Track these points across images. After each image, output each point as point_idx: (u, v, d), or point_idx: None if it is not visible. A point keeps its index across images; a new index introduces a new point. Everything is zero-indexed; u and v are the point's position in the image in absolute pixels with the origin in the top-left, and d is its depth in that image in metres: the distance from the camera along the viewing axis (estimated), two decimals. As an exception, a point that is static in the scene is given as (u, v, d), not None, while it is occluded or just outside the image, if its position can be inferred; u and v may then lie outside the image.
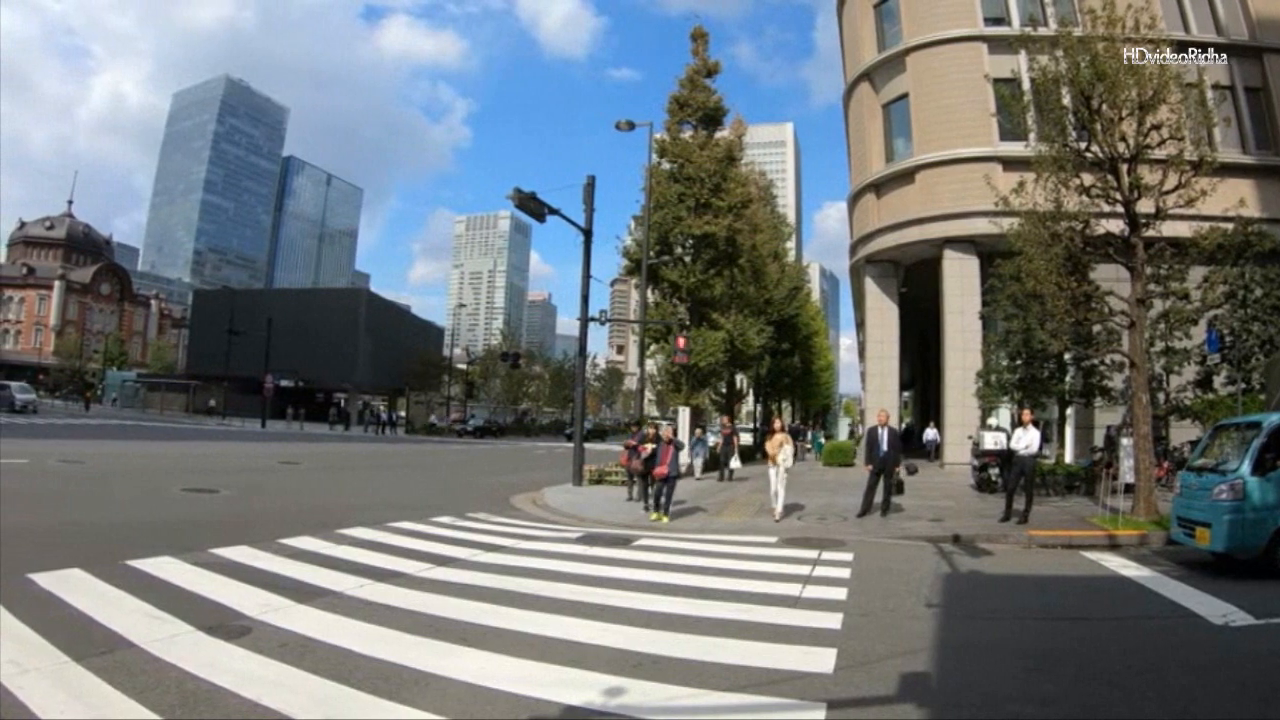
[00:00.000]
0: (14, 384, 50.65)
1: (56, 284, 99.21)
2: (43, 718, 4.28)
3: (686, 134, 29.45)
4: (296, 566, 8.84)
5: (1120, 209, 14.69)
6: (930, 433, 30.37)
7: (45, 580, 7.27)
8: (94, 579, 7.50)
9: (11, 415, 42.46)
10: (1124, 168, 14.43)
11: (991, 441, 18.89)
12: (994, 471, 18.65)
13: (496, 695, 4.98)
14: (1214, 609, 7.92)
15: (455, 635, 6.33)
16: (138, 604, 6.72)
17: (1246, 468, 9.73)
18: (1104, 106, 13.97)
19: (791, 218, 62.23)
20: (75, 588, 7.13)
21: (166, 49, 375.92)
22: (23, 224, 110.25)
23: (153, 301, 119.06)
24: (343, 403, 74.90)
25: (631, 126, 23.60)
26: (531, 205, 20.21)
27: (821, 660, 5.88)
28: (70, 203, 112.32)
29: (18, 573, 7.41)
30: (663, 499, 14.87)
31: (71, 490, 14.72)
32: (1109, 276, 16.38)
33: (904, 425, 26.05)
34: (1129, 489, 14.36)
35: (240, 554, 9.30)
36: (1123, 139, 14.10)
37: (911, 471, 17.08)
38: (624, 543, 11.92)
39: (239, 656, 5.54)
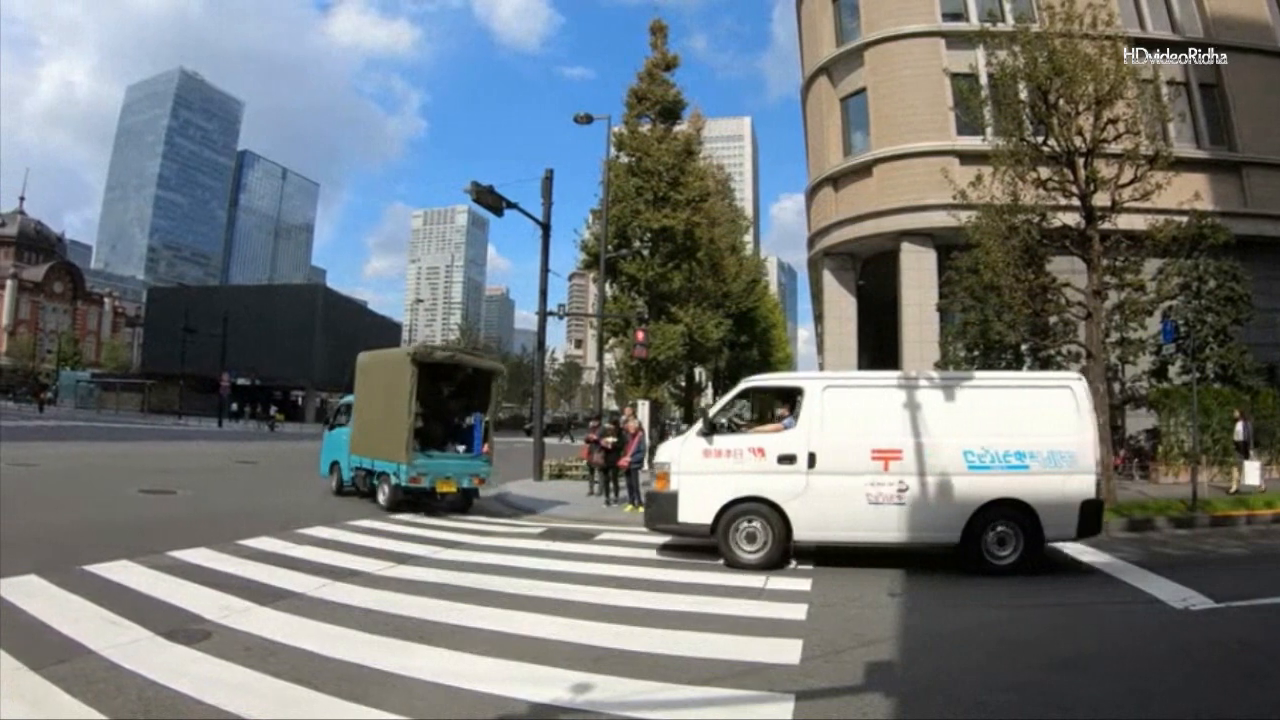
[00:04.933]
0: None
1: (8, 283, 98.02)
2: None
3: (645, 127, 29.40)
4: (256, 568, 8.79)
5: (1077, 202, 14.98)
6: None
7: None
8: (50, 585, 7.36)
9: (-38, 418, 41.23)
10: (1080, 161, 14.70)
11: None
12: None
13: (462, 694, 4.97)
14: (1174, 594, 8.13)
15: (419, 634, 6.32)
16: (95, 610, 6.62)
17: None
18: (1061, 101, 14.21)
19: (749, 211, 62.52)
20: (31, 594, 6.98)
21: (115, 38, 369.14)
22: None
23: (106, 300, 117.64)
24: (298, 400, 74.07)
25: (589, 120, 23.57)
26: (489, 199, 20.13)
27: (788, 651, 5.95)
28: (22, 199, 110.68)
29: None
30: (633, 490, 14.91)
31: (25, 494, 14.31)
32: (1065, 269, 16.64)
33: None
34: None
35: (199, 556, 9.19)
36: (1079, 133, 14.35)
37: None
38: (586, 537, 12.04)
39: (200, 661, 5.48)
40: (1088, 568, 10.05)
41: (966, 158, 23.50)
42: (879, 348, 36.05)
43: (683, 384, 39.76)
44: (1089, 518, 9.64)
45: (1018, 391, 10.42)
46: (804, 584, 8.48)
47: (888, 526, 9.66)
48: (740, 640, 6.25)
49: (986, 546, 9.56)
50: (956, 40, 26.18)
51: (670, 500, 10.04)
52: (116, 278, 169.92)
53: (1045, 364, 19.43)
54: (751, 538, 9.74)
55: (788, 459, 9.79)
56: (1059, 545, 11.27)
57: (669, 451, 10.44)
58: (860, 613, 7.34)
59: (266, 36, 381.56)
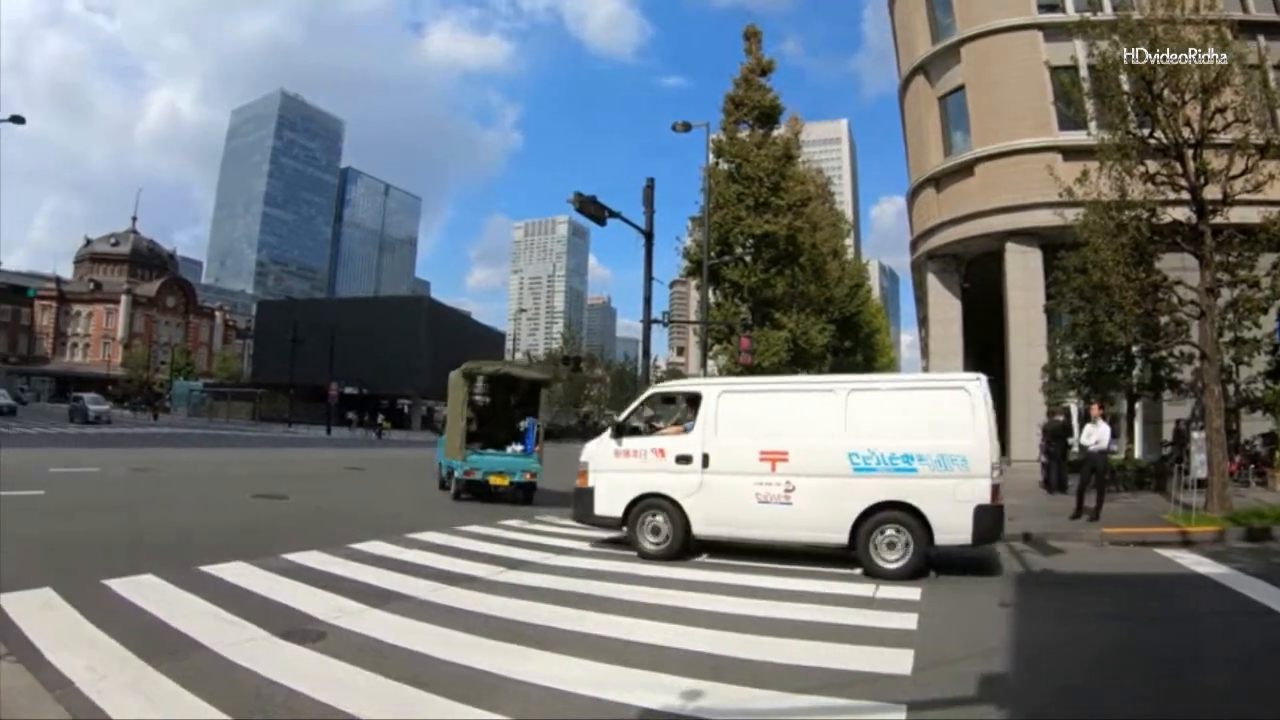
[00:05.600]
0: (86, 395, 52.19)
1: (123, 298, 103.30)
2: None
3: (743, 133, 29.46)
4: (368, 571, 8.87)
5: (1187, 196, 14.33)
6: None
7: (119, 586, 7.35)
8: (167, 584, 7.56)
9: (84, 426, 43.65)
10: (1189, 153, 14.06)
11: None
12: (1041, 460, 18.32)
13: (573, 699, 4.94)
14: (1294, 606, 7.69)
15: (531, 638, 6.29)
16: (211, 609, 6.78)
17: None
18: (1166, 91, 13.63)
19: (849, 215, 61.58)
20: (150, 593, 7.19)
21: (218, 65, 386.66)
22: (88, 241, 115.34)
23: (217, 313, 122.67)
24: (404, 409, 75.96)
25: (688, 128, 23.59)
26: (592, 209, 20.35)
27: (899, 661, 5.80)
28: (134, 219, 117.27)
29: (92, 579, 7.51)
30: None
31: (143, 497, 14.99)
32: (1175, 266, 15.95)
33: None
34: (1201, 484, 13.95)
35: (312, 559, 9.36)
36: (1187, 124, 13.74)
37: None
38: None
39: (314, 660, 5.55)
40: (1204, 578, 9.60)
41: (1070, 153, 22.79)
42: (985, 351, 35.11)
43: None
44: (985, 524, 9.35)
45: (910, 393, 10.55)
46: (914, 593, 8.29)
47: (777, 525, 10.08)
48: (851, 649, 6.12)
49: (875, 549, 9.51)
50: (1054, 32, 25.41)
51: (588, 495, 11.06)
52: (227, 292, 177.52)
53: (1157, 366, 18.65)
54: (656, 530, 10.47)
55: (685, 459, 10.46)
56: (1174, 555, 10.91)
57: (588, 451, 11.39)
58: (972, 622, 7.15)
59: (363, 58, 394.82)
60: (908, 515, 9.47)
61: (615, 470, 10.96)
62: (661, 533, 10.42)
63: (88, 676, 4.95)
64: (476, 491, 16.75)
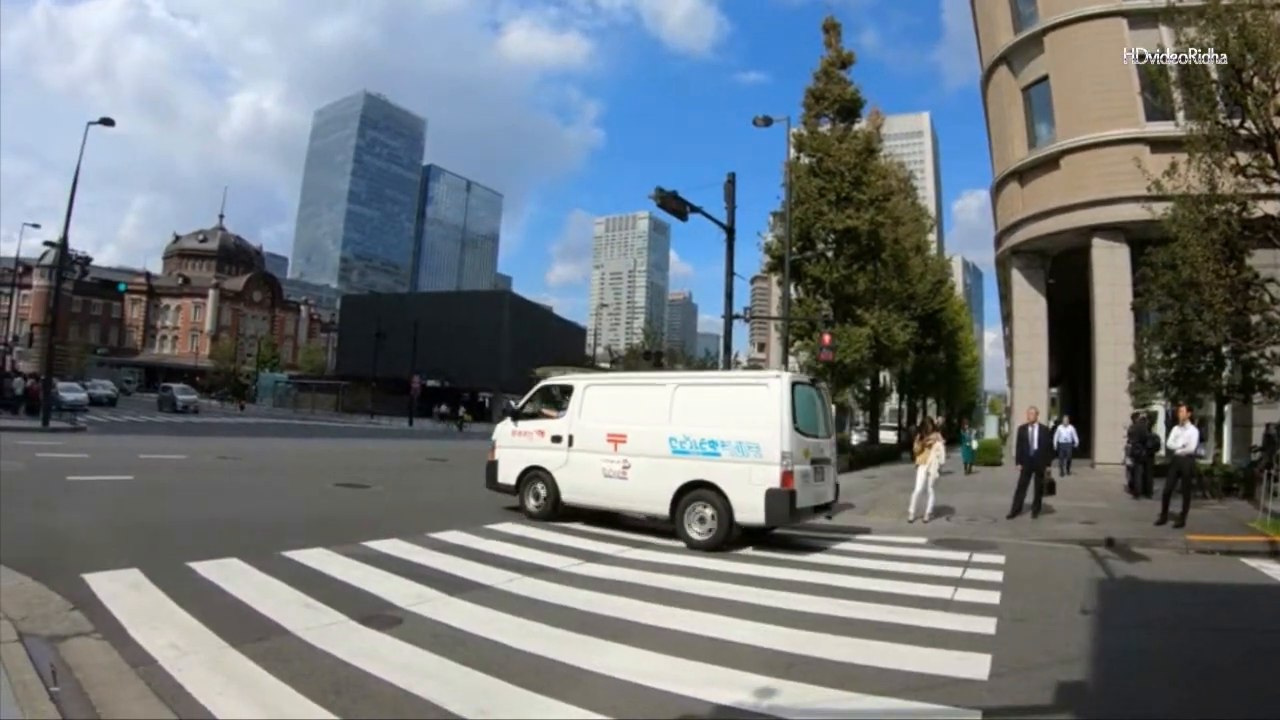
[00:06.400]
0: (175, 386, 54.34)
1: (211, 293, 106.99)
2: (200, 700, 4.48)
3: (824, 127, 29.08)
4: (446, 560, 9.07)
5: (1279, 189, 13.76)
6: (1066, 432, 24.80)
7: (204, 569, 7.63)
8: (251, 568, 7.83)
9: (173, 415, 45.48)
10: (1280, 144, 13.51)
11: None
12: (1127, 464, 17.79)
13: (647, 692, 4.99)
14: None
15: (606, 631, 6.37)
16: (293, 593, 6.99)
17: None
18: (1256, 79, 13.10)
19: (932, 209, 60.32)
20: (233, 576, 7.45)
21: (300, 68, 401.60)
22: (177, 237, 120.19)
23: (302, 307, 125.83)
24: (485, 402, 76.99)
25: (769, 122, 23.44)
26: (673, 204, 20.45)
27: (976, 666, 5.74)
28: (221, 216, 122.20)
29: (179, 561, 7.82)
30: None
31: (229, 484, 15.60)
32: (1268, 263, 15.35)
33: (1052, 423, 24.58)
34: (1292, 492, 13.40)
35: (391, 547, 9.58)
36: (1278, 113, 13.19)
37: (1050, 491, 16.27)
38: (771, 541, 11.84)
39: (391, 646, 5.69)
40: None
41: (1158, 145, 22.06)
42: (1071, 349, 34.23)
43: (868, 387, 38.87)
44: (775, 506, 10.55)
45: (723, 389, 12.12)
46: (993, 597, 8.16)
47: (618, 496, 12.15)
48: (928, 652, 6.06)
49: (688, 522, 11.12)
50: (1140, 19, 24.54)
51: (494, 467, 13.80)
52: (311, 286, 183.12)
53: (1247, 367, 17.87)
54: (537, 495, 13.00)
55: (557, 439, 12.93)
56: (1261, 565, 10.58)
57: (496, 432, 14.15)
58: (1051, 629, 6.99)
59: (443, 57, 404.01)
60: (713, 494, 10.97)
61: (512, 447, 13.60)
62: (541, 497, 12.92)
63: (170, 654, 5.15)
64: None
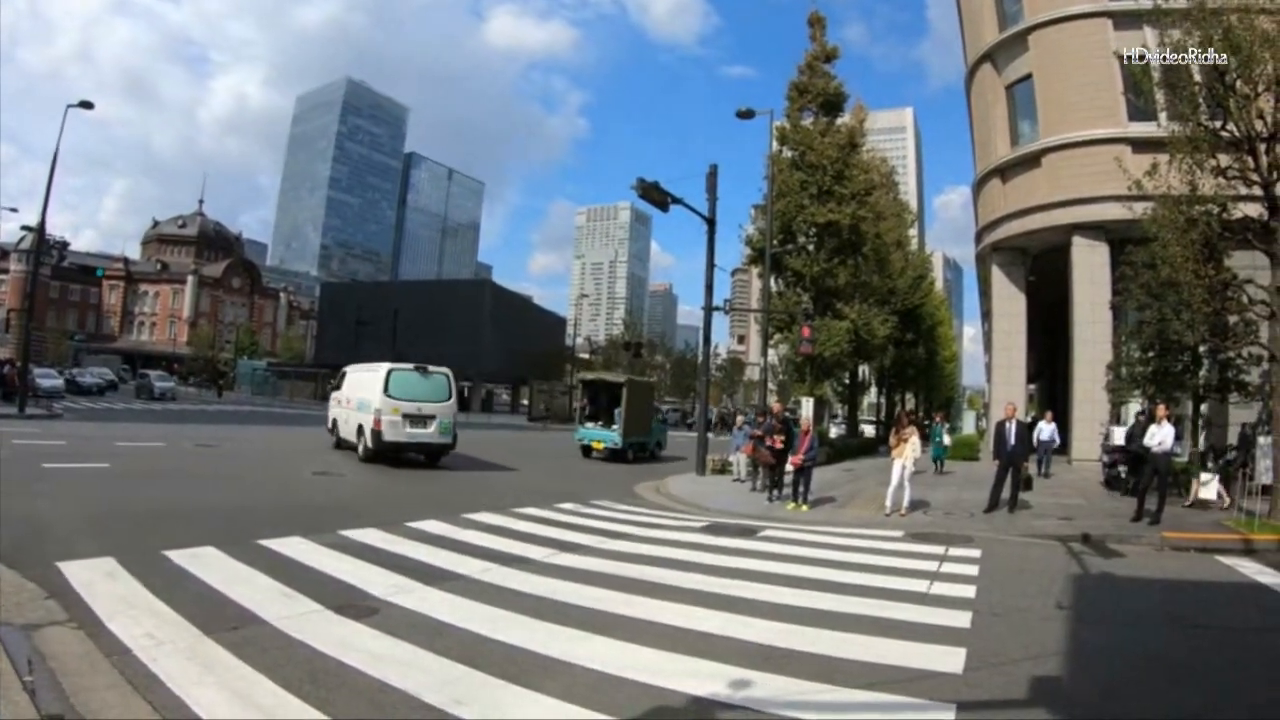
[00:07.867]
0: (153, 373, 54.22)
1: (189, 279, 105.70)
2: (174, 689, 4.48)
3: (807, 121, 29.13)
4: (423, 549, 9.10)
5: (1259, 191, 13.85)
6: (1048, 429, 24.12)
7: (179, 557, 7.65)
8: (227, 557, 7.85)
9: (151, 402, 45.45)
10: (1261, 147, 13.59)
11: (1121, 436, 18.11)
12: (1123, 469, 17.89)
13: (622, 683, 5.02)
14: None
15: (581, 621, 6.40)
16: (269, 582, 7.02)
17: None
18: (1239, 83, 13.18)
19: (914, 205, 60.54)
20: (208, 565, 7.46)
21: (283, 52, 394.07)
22: (156, 223, 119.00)
23: (282, 294, 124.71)
24: (464, 391, 76.75)
25: (752, 114, 23.44)
26: (655, 195, 20.45)
27: (951, 659, 5.78)
28: (201, 202, 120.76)
29: (154, 550, 7.83)
30: (800, 488, 14.82)
31: (205, 472, 15.57)
32: (1246, 264, 15.46)
33: (1030, 419, 24.72)
34: (1265, 491, 13.54)
35: (368, 536, 9.62)
36: (1260, 116, 13.27)
37: (1027, 486, 16.35)
38: (749, 533, 11.91)
39: (367, 636, 5.72)
40: (1265, 589, 9.29)
41: (1140, 145, 22.22)
42: (1050, 347, 34.47)
43: (847, 381, 39.02)
44: (373, 444, 18.76)
45: (369, 373, 20.28)
46: (969, 591, 8.21)
47: (355, 434, 19.88)
48: (903, 645, 6.11)
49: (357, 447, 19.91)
50: (1124, 20, 24.51)
51: (335, 427, 22.49)
52: (291, 273, 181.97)
53: (1224, 367, 18.03)
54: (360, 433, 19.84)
55: (348, 402, 21.20)
56: (1235, 563, 10.66)
57: (332, 399, 23.49)
58: (1026, 624, 7.04)
59: (427, 44, 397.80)
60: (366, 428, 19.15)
61: (339, 408, 22.35)
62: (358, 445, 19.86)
63: (145, 644, 5.16)
64: (586, 452, 25.67)
